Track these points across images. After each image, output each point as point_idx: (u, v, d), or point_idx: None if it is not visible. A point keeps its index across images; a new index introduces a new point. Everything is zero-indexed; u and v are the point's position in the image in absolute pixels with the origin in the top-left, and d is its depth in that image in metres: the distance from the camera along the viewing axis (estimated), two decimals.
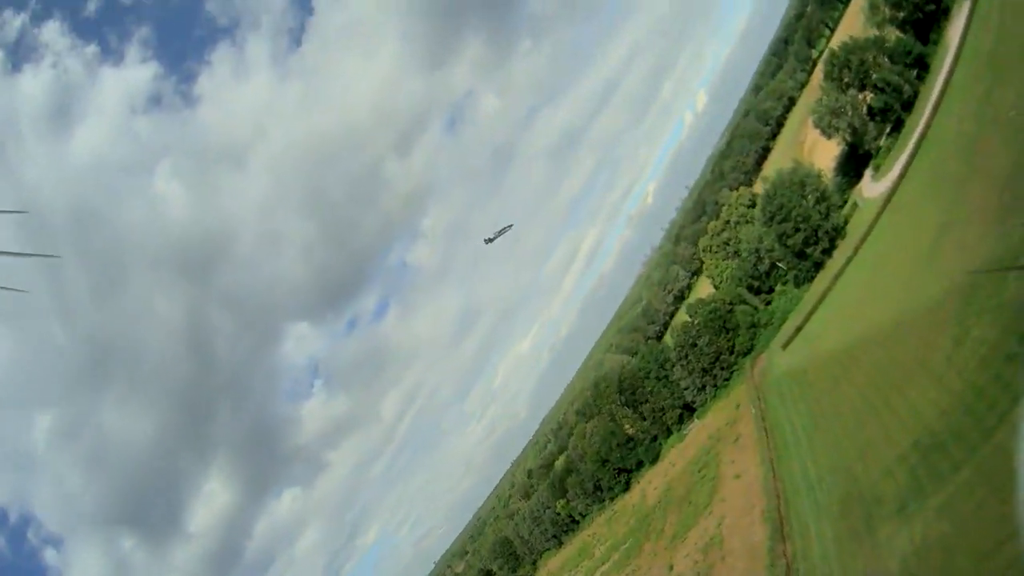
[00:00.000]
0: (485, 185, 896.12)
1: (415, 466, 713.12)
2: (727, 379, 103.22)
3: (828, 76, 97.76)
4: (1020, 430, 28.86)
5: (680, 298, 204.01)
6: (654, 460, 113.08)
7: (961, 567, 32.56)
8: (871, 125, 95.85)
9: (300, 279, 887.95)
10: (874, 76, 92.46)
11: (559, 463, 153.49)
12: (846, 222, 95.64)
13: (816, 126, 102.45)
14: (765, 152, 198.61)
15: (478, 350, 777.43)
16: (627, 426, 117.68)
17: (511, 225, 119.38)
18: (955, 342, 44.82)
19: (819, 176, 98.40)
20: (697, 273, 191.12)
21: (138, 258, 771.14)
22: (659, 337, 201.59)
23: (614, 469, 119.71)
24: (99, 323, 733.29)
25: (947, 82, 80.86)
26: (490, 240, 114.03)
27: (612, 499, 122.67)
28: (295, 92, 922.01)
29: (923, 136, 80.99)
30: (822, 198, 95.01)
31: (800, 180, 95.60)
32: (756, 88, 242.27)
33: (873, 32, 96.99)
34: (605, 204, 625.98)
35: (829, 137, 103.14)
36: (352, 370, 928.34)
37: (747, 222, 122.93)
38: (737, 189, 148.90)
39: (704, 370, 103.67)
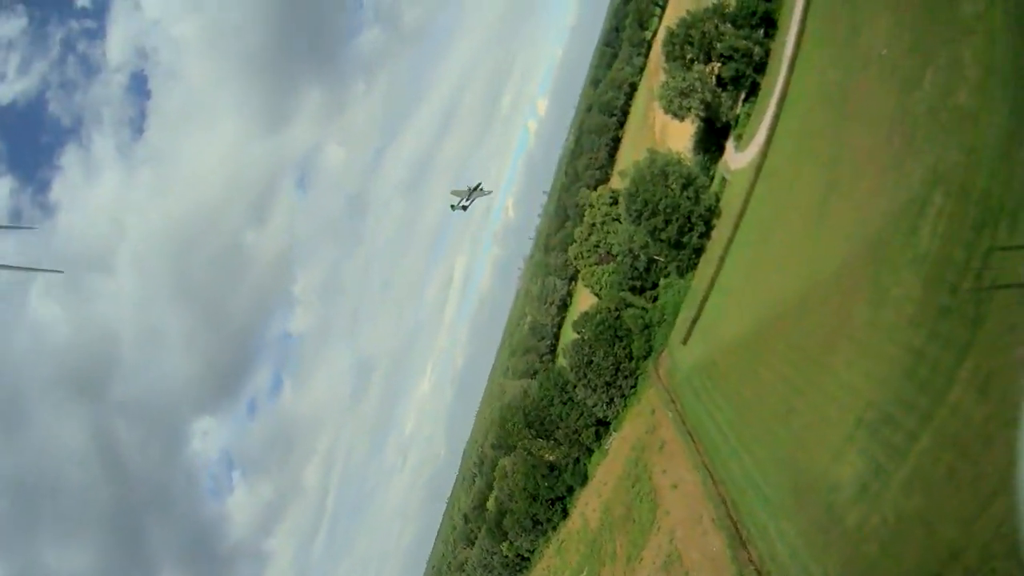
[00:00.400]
0: (346, 236, 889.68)
1: (355, 531, 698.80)
2: (634, 386, 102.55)
3: (670, 56, 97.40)
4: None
5: (563, 306, 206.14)
6: (583, 482, 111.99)
7: (947, 537, 31.68)
8: (723, 96, 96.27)
9: (190, 373, 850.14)
10: (718, 46, 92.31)
11: (491, 504, 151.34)
12: (718, 200, 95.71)
13: (666, 111, 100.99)
14: (616, 143, 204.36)
15: (381, 401, 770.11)
16: (546, 455, 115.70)
17: (480, 184, 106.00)
18: (874, 305, 44.65)
19: (679, 161, 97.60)
20: (574, 279, 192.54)
21: (31, 389, 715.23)
22: (552, 350, 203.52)
23: (546, 500, 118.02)
24: (11, 465, 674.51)
25: (800, 34, 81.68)
26: (463, 206, 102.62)
27: (555, 528, 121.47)
28: (145, 181, 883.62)
29: (784, 95, 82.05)
30: (688, 183, 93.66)
31: (660, 170, 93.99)
32: (595, 81, 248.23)
33: (709, 1, 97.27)
34: (468, 227, 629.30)
35: (681, 119, 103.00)
36: (265, 453, 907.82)
37: (614, 220, 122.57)
38: (595, 188, 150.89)
39: (607, 383, 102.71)
